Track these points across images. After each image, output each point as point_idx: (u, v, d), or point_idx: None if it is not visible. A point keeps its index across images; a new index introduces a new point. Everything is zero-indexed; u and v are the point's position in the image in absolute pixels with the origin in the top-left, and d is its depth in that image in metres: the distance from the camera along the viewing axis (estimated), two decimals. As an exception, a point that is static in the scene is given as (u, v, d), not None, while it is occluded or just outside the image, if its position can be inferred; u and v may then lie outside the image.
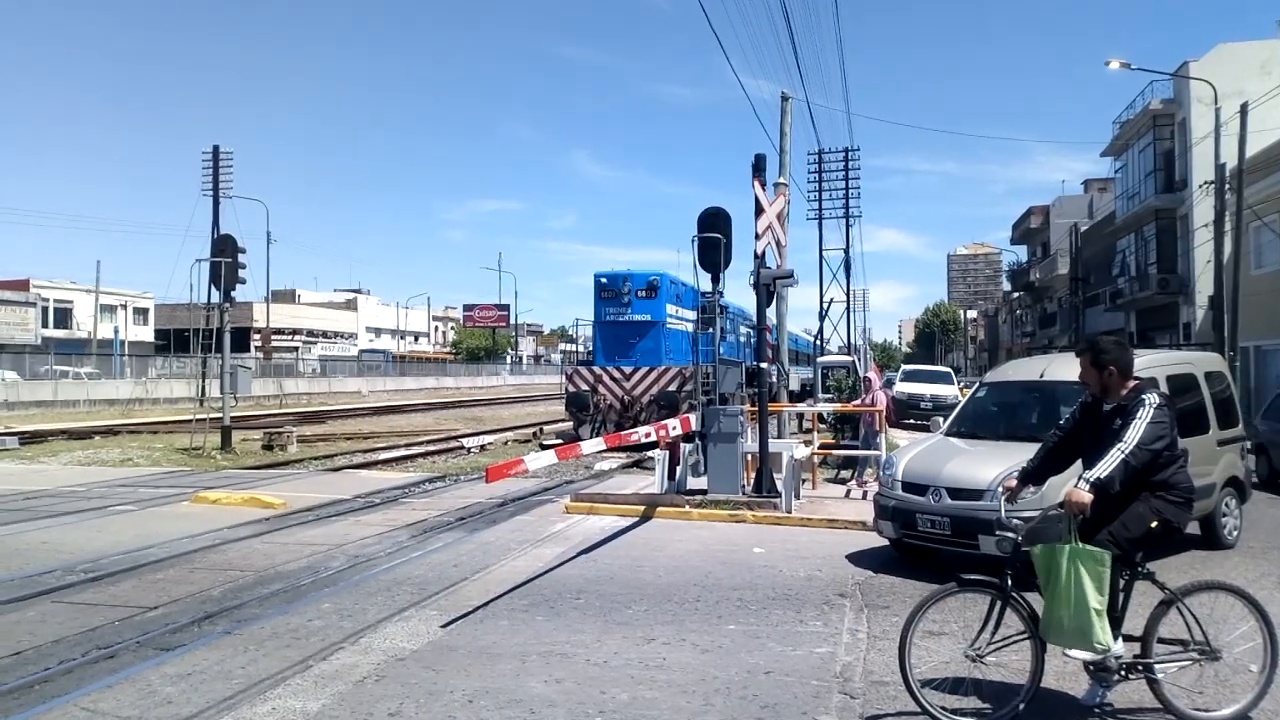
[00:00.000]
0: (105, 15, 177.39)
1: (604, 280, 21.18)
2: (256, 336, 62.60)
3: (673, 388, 19.52)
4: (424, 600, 6.85)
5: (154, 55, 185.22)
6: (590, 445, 9.68)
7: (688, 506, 10.63)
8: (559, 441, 17.40)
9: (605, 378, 20.13)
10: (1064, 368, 8.24)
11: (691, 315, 21.66)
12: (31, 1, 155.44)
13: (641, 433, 11.03)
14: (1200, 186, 28.86)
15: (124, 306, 66.11)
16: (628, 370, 20.05)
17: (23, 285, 57.30)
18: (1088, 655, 4.22)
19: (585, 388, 20.14)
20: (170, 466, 16.84)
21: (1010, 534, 4.40)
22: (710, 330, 19.33)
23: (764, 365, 11.92)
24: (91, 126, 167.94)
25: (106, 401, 39.70)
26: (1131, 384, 4.50)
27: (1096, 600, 4.09)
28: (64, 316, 61.64)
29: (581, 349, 23.82)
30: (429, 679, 5.09)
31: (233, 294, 19.81)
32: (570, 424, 21.03)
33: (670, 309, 21.26)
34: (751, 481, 11.38)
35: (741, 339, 26.48)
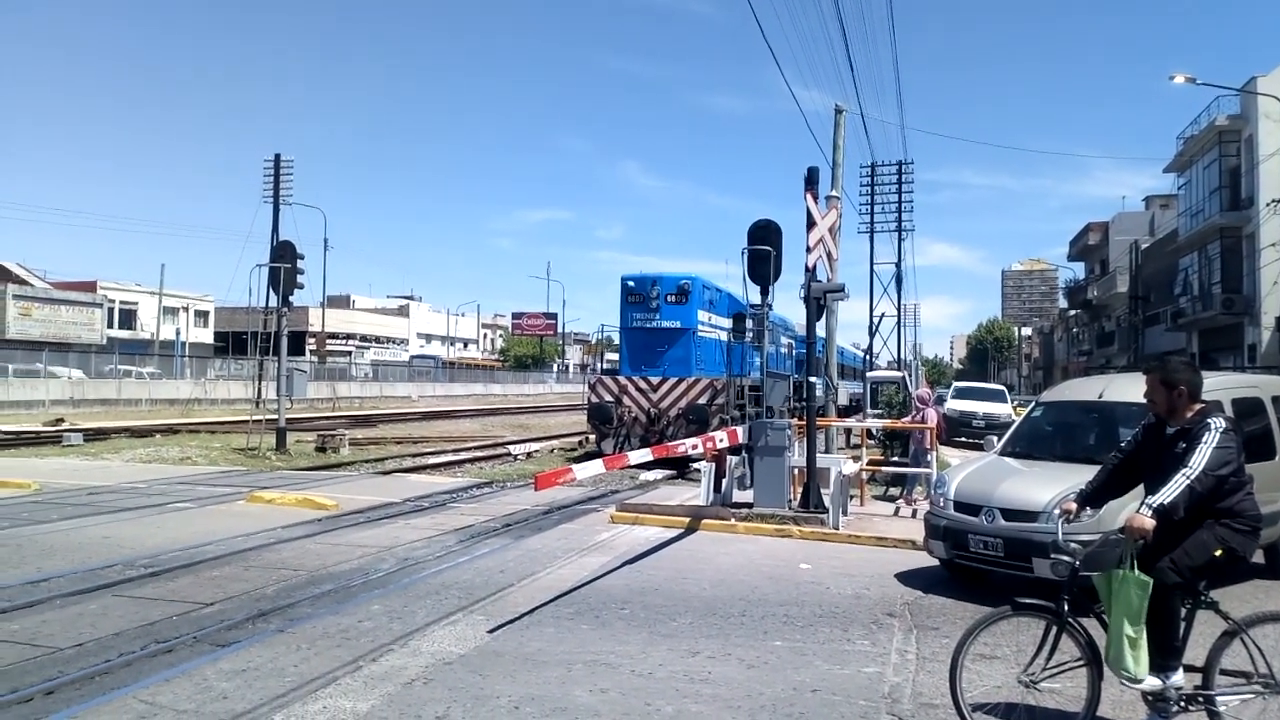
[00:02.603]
0: (172, 30, 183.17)
1: (631, 284, 19.49)
2: (312, 340, 63.88)
3: (703, 400, 17.99)
4: (471, 605, 6.92)
5: (219, 68, 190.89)
6: (638, 455, 9.68)
7: (733, 520, 10.57)
8: (605, 451, 17.35)
9: (630, 388, 18.59)
10: (1124, 388, 8.04)
11: (725, 323, 20.39)
12: (101, 18, 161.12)
13: (689, 444, 11.00)
14: (1268, 204, 28.04)
15: (186, 309, 67.96)
16: (655, 381, 18.49)
17: (90, 287, 59.30)
18: (1146, 684, 4.12)
19: (609, 399, 18.59)
20: (227, 466, 17.24)
21: (1067, 558, 4.31)
22: (755, 342, 18.90)
23: (813, 379, 11.83)
24: (161, 136, 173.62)
25: (167, 401, 40.81)
26: (1198, 407, 4.40)
27: (1130, 628, 4.02)
28: (128, 318, 63.56)
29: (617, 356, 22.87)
30: (476, 683, 5.13)
31: (290, 299, 20.26)
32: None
33: (702, 315, 19.58)
34: (798, 496, 11.28)
35: (783, 349, 25.42)
